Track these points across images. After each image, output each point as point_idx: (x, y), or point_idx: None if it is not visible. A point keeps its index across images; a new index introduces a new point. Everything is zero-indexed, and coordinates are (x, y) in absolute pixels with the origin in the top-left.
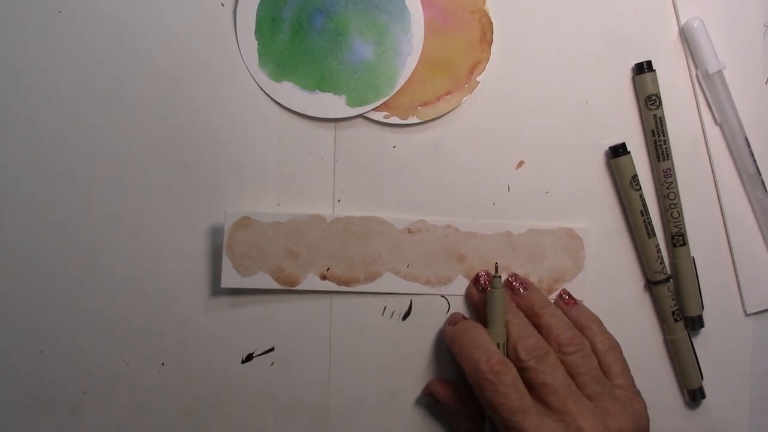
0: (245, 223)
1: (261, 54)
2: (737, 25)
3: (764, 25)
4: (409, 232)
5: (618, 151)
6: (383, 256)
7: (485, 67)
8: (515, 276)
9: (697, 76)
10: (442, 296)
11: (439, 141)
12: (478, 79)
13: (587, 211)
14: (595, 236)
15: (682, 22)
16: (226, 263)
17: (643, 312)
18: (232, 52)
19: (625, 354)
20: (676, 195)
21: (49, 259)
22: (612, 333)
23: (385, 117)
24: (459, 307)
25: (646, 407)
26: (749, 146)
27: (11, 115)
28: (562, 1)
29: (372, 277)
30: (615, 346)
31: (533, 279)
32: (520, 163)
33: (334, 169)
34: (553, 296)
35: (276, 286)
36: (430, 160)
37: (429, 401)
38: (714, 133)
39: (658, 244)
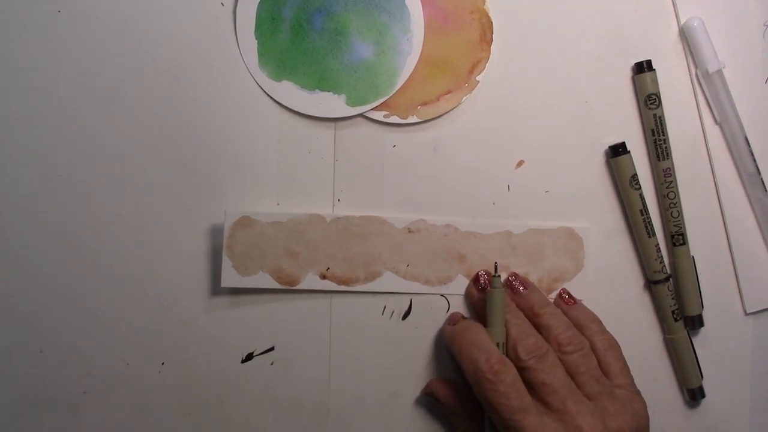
0: (245, 222)
1: (261, 54)
2: (737, 24)
3: (764, 25)
4: (409, 231)
5: (618, 151)
6: (383, 256)
7: (485, 67)
8: (515, 275)
9: (696, 75)
10: (442, 296)
11: (439, 141)
12: (477, 78)
13: (587, 211)
14: (595, 236)
15: (682, 21)
16: (226, 263)
17: (643, 311)
18: (232, 52)
19: (624, 353)
20: (676, 194)
21: (49, 259)
22: (612, 332)
23: (384, 116)
24: (459, 306)
25: (645, 406)
26: (749, 146)
27: (11, 115)
28: (562, 1)
29: (372, 276)
30: (614, 346)
31: (533, 278)
32: (520, 163)
33: (334, 168)
34: (552, 296)
35: (276, 285)
36: (430, 160)
37: (429, 401)
38: (714, 132)
39: (658, 244)
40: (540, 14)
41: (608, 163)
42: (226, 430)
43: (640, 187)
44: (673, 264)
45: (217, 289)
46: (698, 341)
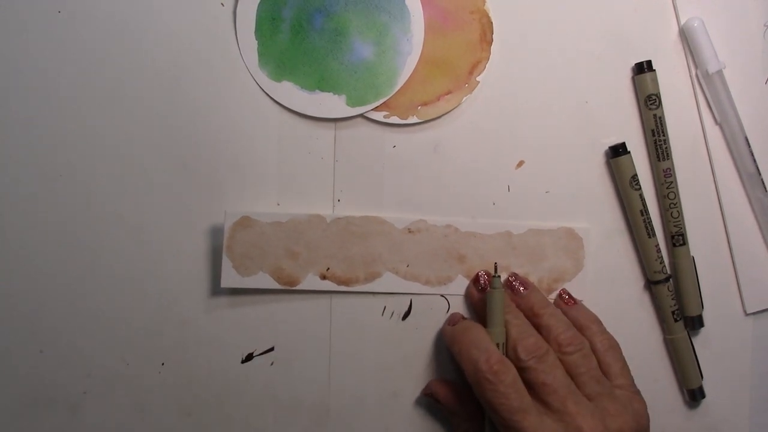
0: (245, 223)
1: (261, 54)
2: (737, 25)
3: (764, 25)
4: (409, 232)
5: (618, 151)
6: (383, 256)
7: (485, 67)
8: (515, 275)
9: (697, 75)
10: (442, 296)
11: (439, 141)
12: (478, 79)
13: (587, 211)
14: (595, 236)
15: (682, 21)
16: (226, 263)
17: (643, 312)
18: (232, 52)
19: (625, 354)
20: (676, 195)
21: (49, 259)
22: (612, 333)
23: (385, 117)
24: (459, 307)
25: (646, 407)
26: (749, 146)
27: (11, 115)
28: (562, 1)
29: (372, 277)
30: (614, 346)
31: (533, 279)
32: (520, 163)
33: (334, 169)
34: (552, 296)
35: (276, 286)
36: (430, 160)
37: (429, 401)
38: (714, 132)
39: (658, 244)
40: (540, 14)
41: (608, 164)
42: (226, 430)
43: (640, 188)
44: (673, 264)
45: (217, 289)
46: (698, 342)
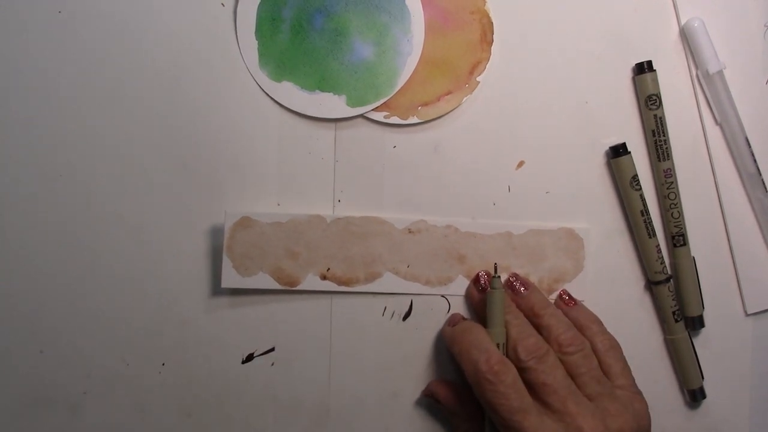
0: (245, 223)
1: (261, 54)
2: (737, 25)
3: (764, 25)
4: (409, 232)
5: (618, 151)
6: (383, 256)
7: (485, 67)
8: (516, 276)
9: (697, 76)
10: (443, 296)
11: (439, 141)
12: (478, 79)
13: (587, 211)
14: (595, 236)
15: (683, 22)
16: (226, 263)
17: (644, 312)
18: (232, 52)
19: (625, 354)
20: (677, 195)
21: (49, 259)
22: (612, 333)
23: (385, 117)
24: (459, 307)
25: (647, 407)
26: (749, 146)
27: (11, 115)
28: (562, 1)
29: (372, 277)
30: (615, 347)
31: (533, 279)
32: (520, 163)
33: (334, 169)
34: (553, 296)
35: (276, 286)
36: (430, 160)
37: (429, 401)
38: (714, 133)
39: (659, 244)
40: (540, 14)
41: (609, 164)
42: (226, 430)
43: (640, 188)
44: (673, 265)
45: (217, 289)
46: (699, 342)
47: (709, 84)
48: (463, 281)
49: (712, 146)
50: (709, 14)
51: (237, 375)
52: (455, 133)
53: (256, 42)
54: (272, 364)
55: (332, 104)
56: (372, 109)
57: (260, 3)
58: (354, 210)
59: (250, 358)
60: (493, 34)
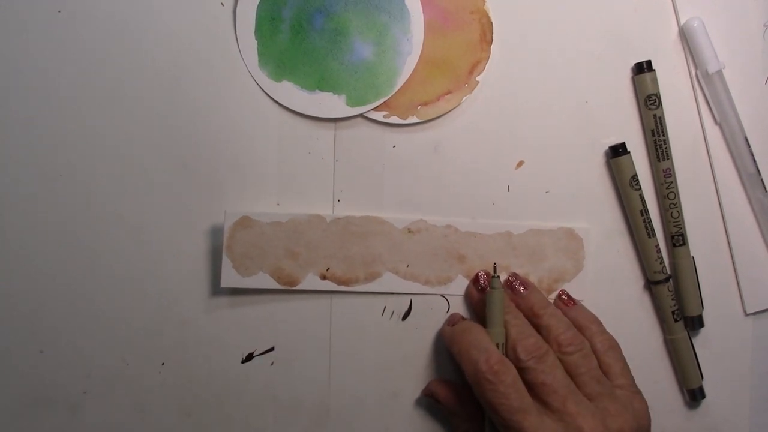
0: (245, 223)
1: (261, 54)
2: (737, 25)
3: (764, 25)
4: (409, 232)
5: (618, 151)
6: (383, 256)
7: (485, 67)
8: (515, 276)
9: (697, 76)
10: (442, 296)
11: (439, 141)
12: (478, 79)
13: (587, 211)
14: (595, 236)
15: (682, 22)
16: (226, 263)
17: (643, 312)
18: (232, 52)
19: (625, 354)
20: (676, 195)
21: (49, 259)
22: (612, 333)
23: (385, 117)
24: (459, 307)
25: (647, 407)
26: (749, 146)
27: (11, 115)
28: (562, 1)
29: (372, 277)
30: (614, 347)
31: (533, 279)
32: (520, 163)
33: (334, 169)
34: (553, 296)
35: (276, 286)
36: (430, 160)
37: (429, 401)
38: (714, 133)
39: (658, 244)
40: (540, 14)
41: (608, 164)
42: (226, 430)
43: (640, 188)
44: (673, 264)
45: (217, 289)
46: (698, 342)
47: (709, 84)
48: (462, 281)
49: (711, 146)
50: (709, 14)
51: (237, 375)
52: (455, 133)
53: (256, 42)
54: (272, 364)
55: (332, 104)
56: (372, 109)
57: (260, 3)
58: (354, 210)
59: (249, 357)
60: (492, 33)
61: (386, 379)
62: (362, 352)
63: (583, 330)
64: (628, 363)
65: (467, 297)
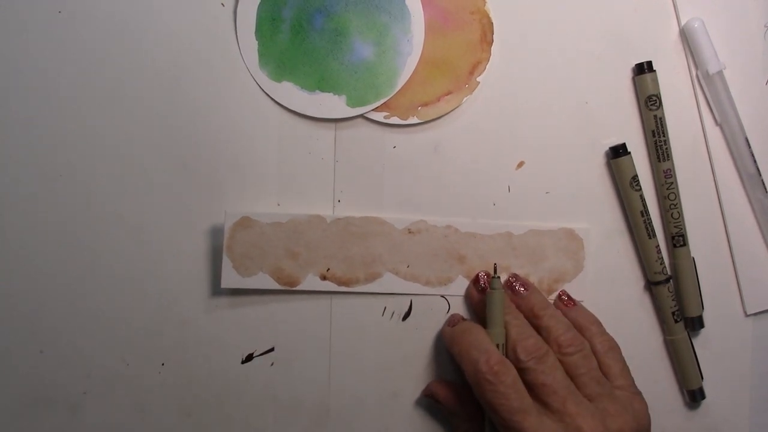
0: (245, 223)
1: (261, 54)
2: (737, 25)
3: (764, 26)
4: (409, 232)
5: (618, 152)
6: (383, 257)
7: (485, 68)
8: (516, 276)
9: (697, 76)
10: (442, 296)
11: (439, 141)
12: (478, 79)
13: (587, 212)
14: (595, 236)
15: (683, 22)
16: (226, 263)
17: (643, 312)
18: (232, 52)
19: (625, 354)
20: (677, 195)
21: (49, 259)
22: (612, 333)
23: (385, 117)
24: (459, 307)
25: (647, 407)
26: (749, 146)
27: (11, 115)
28: (562, 1)
29: (372, 277)
30: (614, 347)
31: (533, 279)
32: (520, 164)
33: (334, 169)
34: (553, 297)
35: (276, 286)
36: (430, 161)
37: (429, 402)
38: (714, 133)
39: (659, 245)
40: (540, 14)
41: (609, 164)
42: (226, 431)
43: (640, 188)
44: (673, 265)
45: (217, 289)
46: (698, 342)
47: (709, 84)
48: (462, 281)
49: (712, 147)
50: (709, 14)
51: (237, 375)
52: (455, 133)
53: (256, 42)
54: (272, 364)
55: (332, 104)
56: (372, 109)
57: (260, 3)
58: (354, 210)
59: (249, 358)
60: (493, 34)
61: (386, 379)
62: (362, 352)
63: (583, 331)
64: (628, 363)
65: (467, 297)
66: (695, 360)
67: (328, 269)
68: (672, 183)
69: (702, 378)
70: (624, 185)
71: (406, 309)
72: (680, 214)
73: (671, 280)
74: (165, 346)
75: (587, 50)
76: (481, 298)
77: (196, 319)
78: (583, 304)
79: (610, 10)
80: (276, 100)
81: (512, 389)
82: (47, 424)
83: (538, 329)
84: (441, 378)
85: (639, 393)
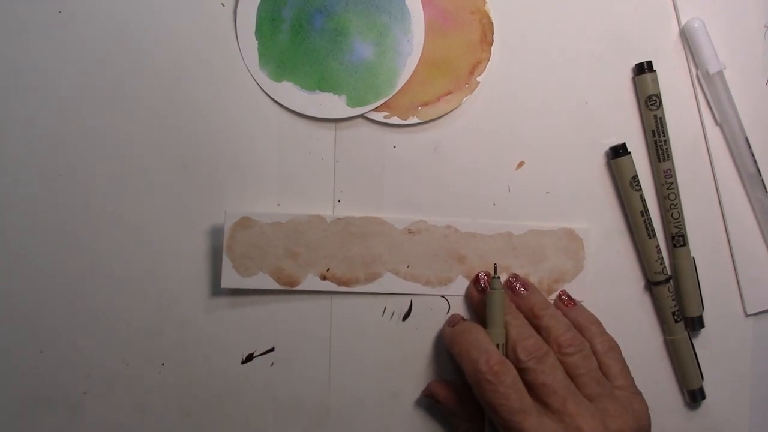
0: (245, 223)
1: (261, 54)
2: (737, 25)
3: (764, 26)
4: (409, 232)
5: (618, 152)
6: (383, 257)
7: (485, 68)
8: (516, 276)
9: (697, 76)
10: (443, 297)
11: (439, 141)
12: (478, 79)
13: (587, 212)
14: (595, 237)
15: (683, 22)
16: (226, 263)
17: (643, 312)
18: (232, 52)
19: (625, 354)
20: (677, 195)
21: (49, 259)
22: (612, 333)
23: (385, 117)
24: (459, 307)
25: (647, 407)
26: (749, 146)
27: (11, 115)
28: (562, 1)
29: (372, 277)
30: (614, 348)
31: (533, 279)
32: (520, 164)
33: (334, 169)
34: (553, 297)
35: (276, 286)
36: (430, 161)
37: (429, 402)
38: (714, 133)
39: (659, 245)
40: (540, 14)
41: (609, 164)
42: (226, 431)
43: (640, 188)
44: (673, 265)
45: (217, 289)
46: (698, 342)
47: (709, 84)
48: (463, 281)
49: (712, 146)
50: (709, 14)
51: (237, 375)
52: (455, 133)
53: (256, 42)
54: (272, 364)
55: (332, 104)
56: (372, 109)
57: (260, 3)
58: (354, 210)
59: (249, 358)
60: (493, 34)
61: (386, 379)
62: (362, 352)
63: (583, 331)
64: (628, 363)
65: (467, 297)
66: (695, 360)
67: (328, 269)
68: (672, 183)
69: (702, 378)
70: (624, 185)
71: (406, 309)
72: (680, 214)
73: (671, 280)
74: (165, 346)
75: (587, 50)
76: (481, 298)
77: (196, 319)
78: (583, 304)
79: (610, 10)
80: (276, 100)
81: (512, 389)
82: (47, 424)
83: (538, 329)
84: (441, 378)
85: (639, 393)
